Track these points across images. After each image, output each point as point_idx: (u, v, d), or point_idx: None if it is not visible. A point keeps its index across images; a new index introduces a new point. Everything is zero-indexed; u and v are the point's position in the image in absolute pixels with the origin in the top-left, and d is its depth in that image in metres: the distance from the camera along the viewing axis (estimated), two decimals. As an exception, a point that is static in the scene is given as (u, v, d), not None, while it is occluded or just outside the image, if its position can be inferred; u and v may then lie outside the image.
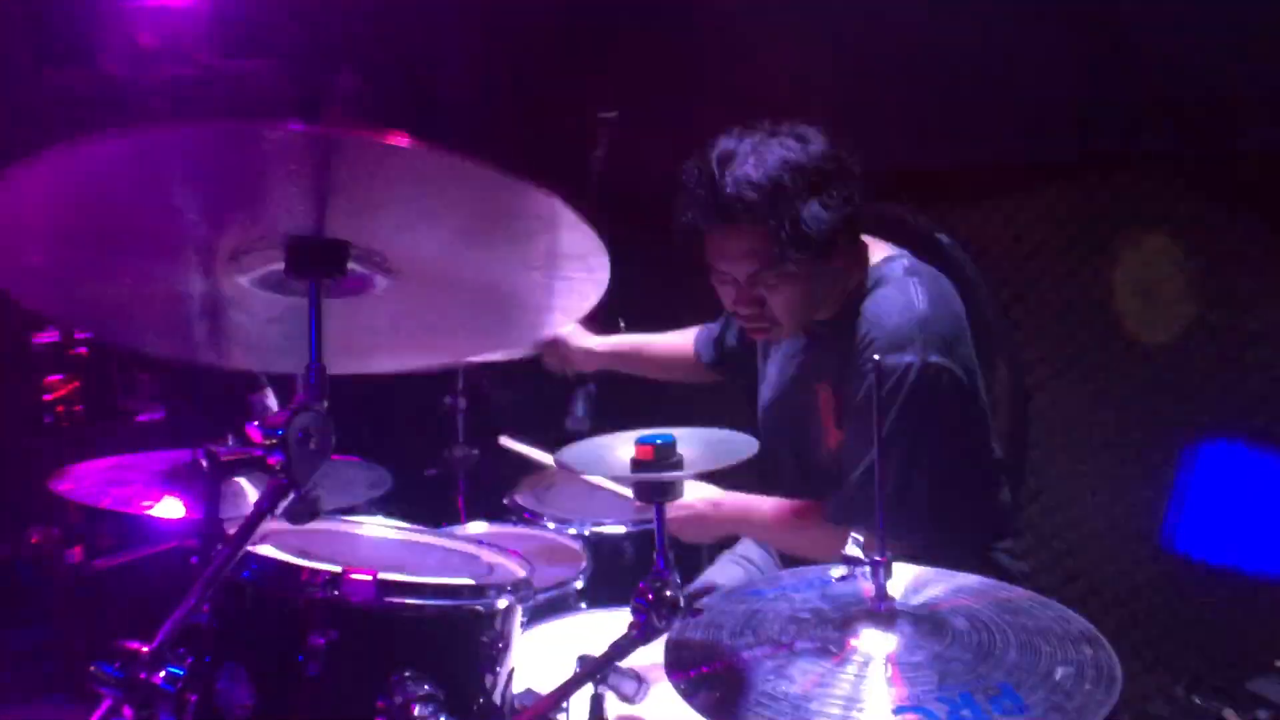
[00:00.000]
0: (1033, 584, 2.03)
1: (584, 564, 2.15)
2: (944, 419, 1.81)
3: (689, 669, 1.19)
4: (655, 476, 1.26)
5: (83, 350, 3.20)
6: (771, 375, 2.12)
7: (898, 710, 1.07)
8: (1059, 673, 1.10)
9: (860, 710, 1.08)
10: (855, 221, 1.85)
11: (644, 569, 1.28)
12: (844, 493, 1.86)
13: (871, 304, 1.86)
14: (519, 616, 1.52)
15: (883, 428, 1.73)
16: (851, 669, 1.14)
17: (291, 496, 1.11)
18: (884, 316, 1.82)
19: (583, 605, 2.06)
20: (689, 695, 1.14)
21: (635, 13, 3.57)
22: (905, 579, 1.31)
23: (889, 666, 1.14)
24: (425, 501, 3.18)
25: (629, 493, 1.83)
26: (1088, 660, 1.12)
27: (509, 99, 4.19)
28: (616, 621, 1.43)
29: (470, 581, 1.46)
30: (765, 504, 2.00)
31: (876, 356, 1.37)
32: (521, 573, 1.55)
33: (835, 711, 1.08)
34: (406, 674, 1.32)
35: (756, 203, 1.74)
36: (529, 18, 3.90)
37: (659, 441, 1.26)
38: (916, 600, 1.27)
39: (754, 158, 1.75)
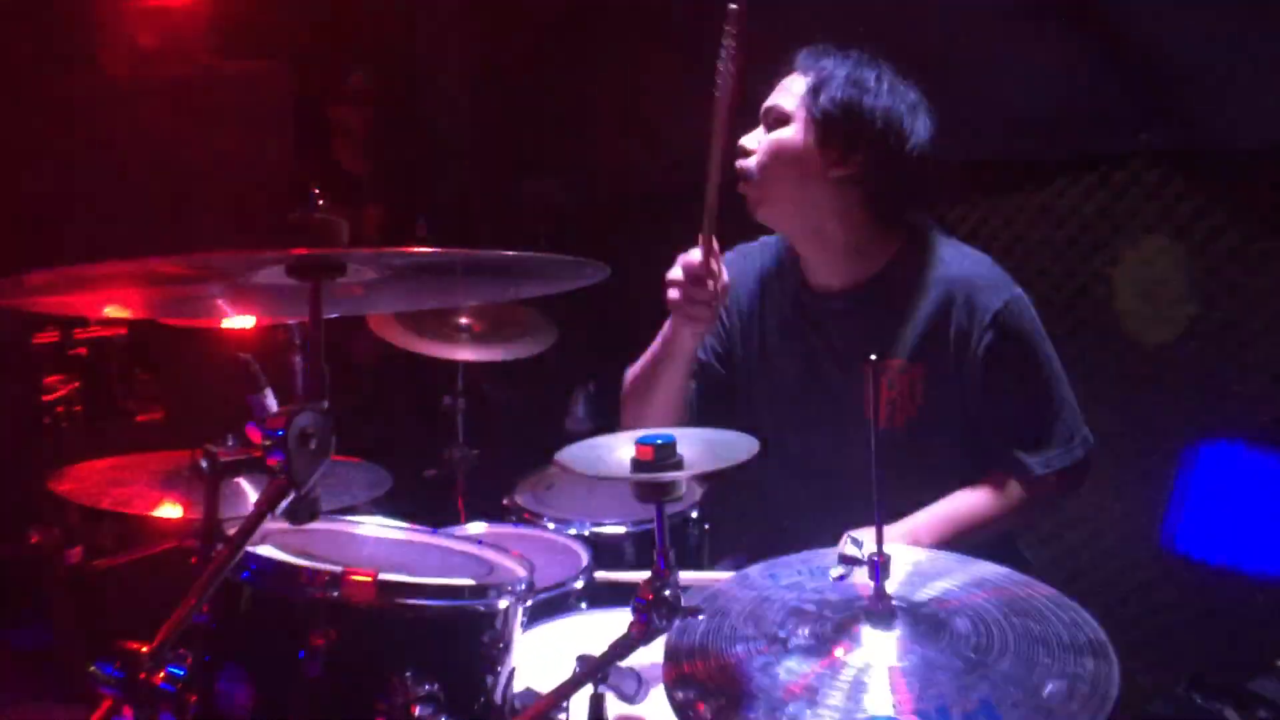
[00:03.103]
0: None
1: (584, 564, 2.15)
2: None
3: (683, 666, 1.20)
4: (655, 476, 1.26)
5: (83, 350, 3.20)
6: (784, 364, 2.06)
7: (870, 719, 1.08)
8: (1048, 689, 1.09)
9: (835, 715, 1.09)
10: (885, 184, 1.93)
11: (644, 569, 1.28)
12: (1037, 441, 1.89)
13: (944, 266, 1.93)
14: (519, 616, 1.52)
15: (1035, 360, 1.89)
16: (836, 671, 1.15)
17: (291, 496, 1.11)
18: (969, 270, 1.93)
19: (583, 605, 2.06)
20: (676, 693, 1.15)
21: (625, 13, 3.57)
22: (926, 567, 1.32)
23: (873, 672, 1.14)
24: (425, 501, 3.19)
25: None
26: (1085, 675, 1.10)
27: (508, 96, 4.19)
28: (616, 621, 1.43)
29: (470, 581, 1.46)
30: (948, 508, 1.90)
31: (873, 356, 1.35)
32: (521, 573, 1.55)
33: (807, 712, 1.09)
34: (406, 674, 1.32)
35: (835, 78, 1.90)
36: (526, 17, 3.91)
37: (659, 441, 1.26)
38: (926, 594, 1.27)
39: (874, 80, 1.91)
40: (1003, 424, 1.90)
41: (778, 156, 1.93)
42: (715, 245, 1.87)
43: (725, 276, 1.90)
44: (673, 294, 1.89)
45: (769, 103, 1.97)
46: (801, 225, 1.98)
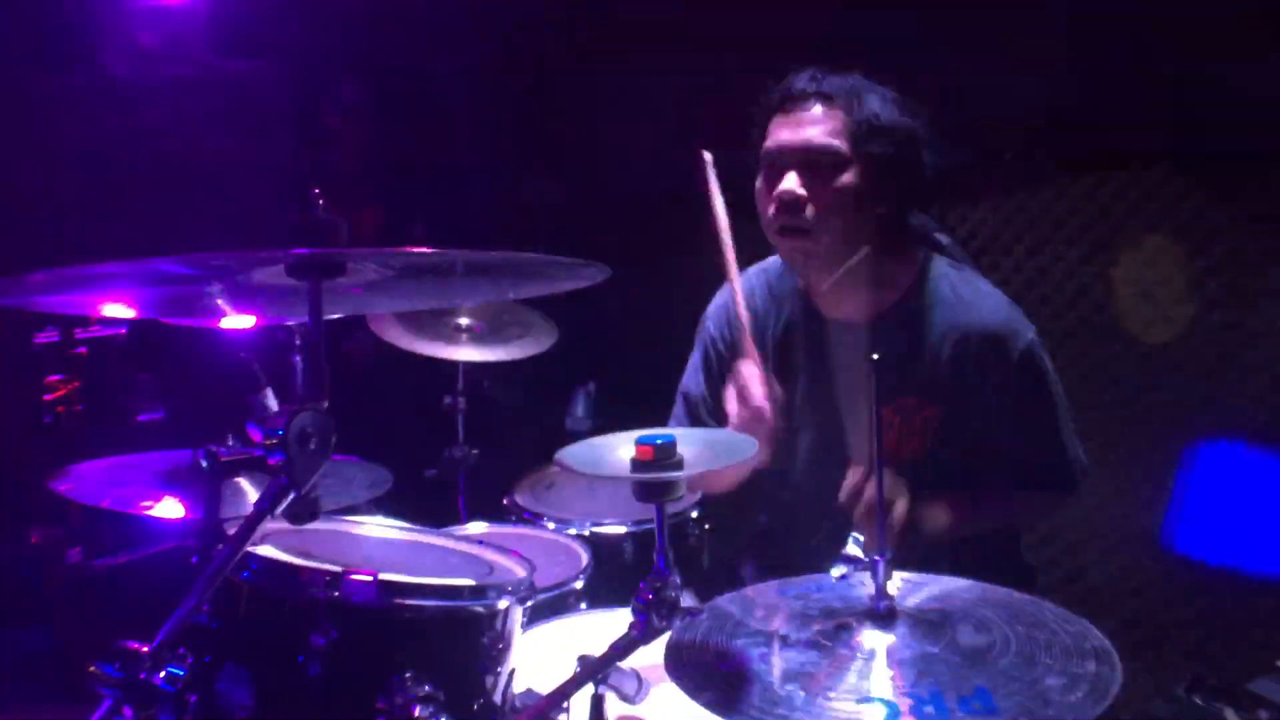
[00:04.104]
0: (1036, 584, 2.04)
1: (584, 564, 2.15)
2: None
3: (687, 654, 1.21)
4: (655, 477, 1.26)
5: (83, 350, 3.20)
6: (792, 394, 1.98)
7: (860, 700, 1.08)
8: (1048, 681, 1.09)
9: (828, 699, 1.09)
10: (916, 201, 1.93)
11: (644, 569, 1.28)
12: (1057, 461, 1.92)
13: (963, 308, 1.89)
14: (519, 616, 1.52)
15: (1046, 397, 1.90)
16: (833, 660, 1.16)
17: (291, 496, 1.11)
18: (988, 315, 1.89)
19: (583, 605, 2.06)
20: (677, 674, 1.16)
21: (631, 11, 3.58)
22: (935, 587, 1.32)
23: (869, 661, 1.15)
24: (425, 501, 3.18)
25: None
26: (1086, 676, 1.10)
27: (508, 97, 4.19)
28: (616, 622, 1.43)
29: (470, 582, 1.46)
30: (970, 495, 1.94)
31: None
32: (521, 573, 1.55)
33: (802, 696, 1.10)
34: (406, 674, 1.32)
35: (874, 111, 1.82)
36: (527, 18, 3.91)
37: (659, 441, 1.26)
38: (930, 602, 1.27)
39: (895, 102, 1.86)
40: (1012, 461, 1.93)
41: (844, 204, 1.81)
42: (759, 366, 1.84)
43: (776, 387, 1.84)
44: (734, 420, 1.84)
45: (813, 140, 1.81)
46: (841, 265, 1.89)
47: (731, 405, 1.84)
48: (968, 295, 1.91)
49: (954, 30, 2.68)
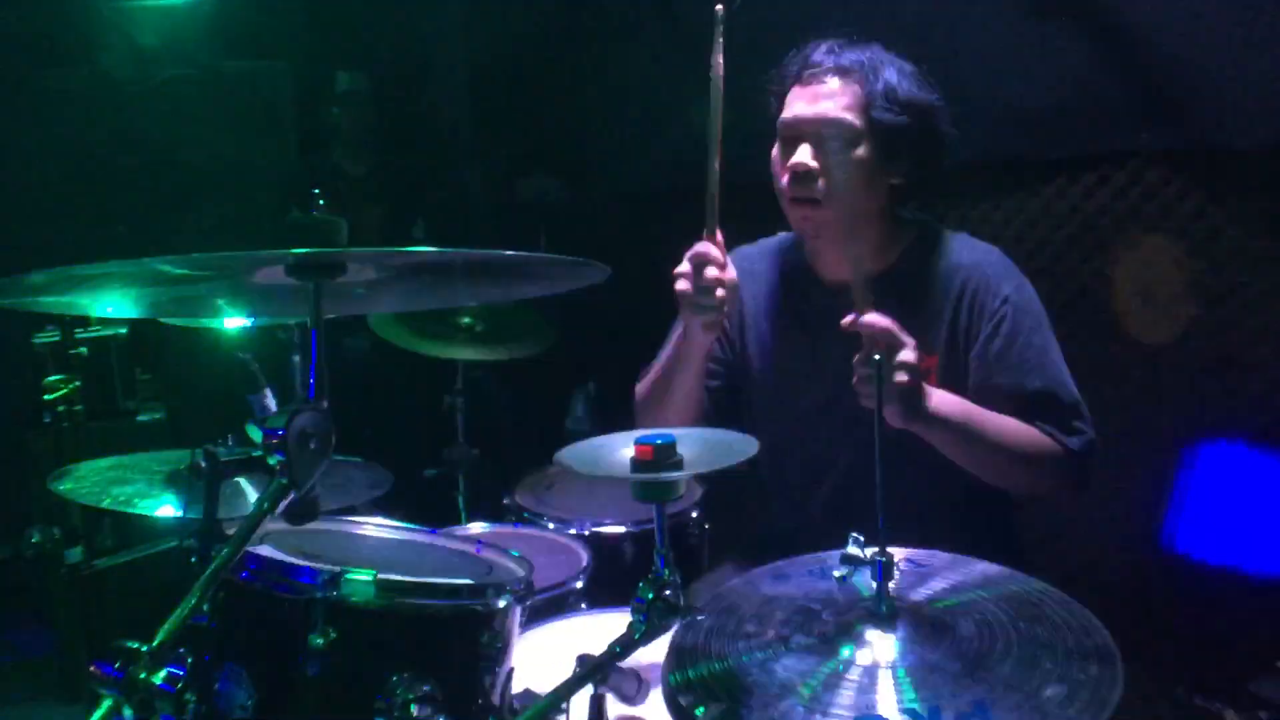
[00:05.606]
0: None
1: (584, 564, 2.15)
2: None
3: (684, 667, 1.20)
4: (655, 477, 1.26)
5: (83, 350, 3.20)
6: (794, 361, 2.02)
7: (858, 718, 1.07)
8: (1048, 691, 1.08)
9: (825, 712, 1.09)
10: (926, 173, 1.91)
11: (644, 569, 1.28)
12: (1053, 419, 1.85)
13: (955, 255, 1.91)
14: (518, 616, 1.52)
15: (1044, 347, 1.86)
16: (834, 668, 1.15)
17: (291, 496, 1.11)
18: (979, 258, 1.91)
19: (583, 605, 2.06)
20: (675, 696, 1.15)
21: (625, 13, 3.58)
22: (948, 569, 1.32)
23: (868, 670, 1.14)
24: (425, 501, 3.19)
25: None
26: (1087, 681, 1.09)
27: (507, 96, 4.19)
28: (616, 621, 1.42)
29: (469, 581, 1.46)
30: (981, 409, 1.85)
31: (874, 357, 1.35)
32: (521, 573, 1.55)
33: (802, 706, 1.09)
34: (405, 674, 1.32)
35: (890, 84, 1.83)
36: (525, 17, 3.91)
37: (659, 441, 1.26)
38: (934, 595, 1.27)
39: (912, 75, 1.86)
40: (1020, 405, 1.86)
41: (856, 177, 1.83)
42: (720, 238, 1.83)
43: (732, 271, 1.85)
44: (681, 285, 1.83)
45: (827, 114, 1.84)
46: (850, 235, 1.87)
47: (682, 283, 1.83)
48: (958, 245, 1.94)
49: (954, 29, 2.68)
